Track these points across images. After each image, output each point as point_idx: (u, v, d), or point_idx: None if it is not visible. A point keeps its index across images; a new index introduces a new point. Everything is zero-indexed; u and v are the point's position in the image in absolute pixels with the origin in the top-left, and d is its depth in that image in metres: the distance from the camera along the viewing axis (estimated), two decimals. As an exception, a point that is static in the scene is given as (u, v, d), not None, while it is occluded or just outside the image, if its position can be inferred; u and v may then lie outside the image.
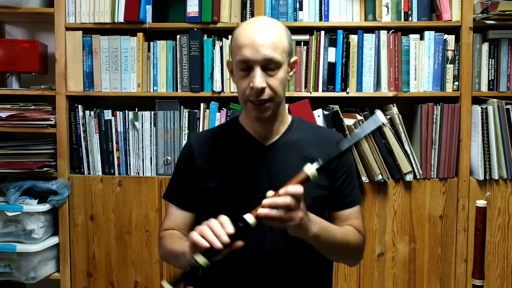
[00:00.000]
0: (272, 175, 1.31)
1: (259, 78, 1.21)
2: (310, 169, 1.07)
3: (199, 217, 1.40)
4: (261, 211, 1.05)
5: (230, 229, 1.05)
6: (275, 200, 1.05)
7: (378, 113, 1.09)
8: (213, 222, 1.07)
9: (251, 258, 1.30)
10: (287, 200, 1.05)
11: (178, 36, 2.26)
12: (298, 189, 1.06)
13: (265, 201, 1.06)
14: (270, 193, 1.08)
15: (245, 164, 1.33)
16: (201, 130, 2.26)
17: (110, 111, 2.28)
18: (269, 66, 1.23)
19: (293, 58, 1.34)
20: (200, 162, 1.36)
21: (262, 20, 1.28)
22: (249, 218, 1.05)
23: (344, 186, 1.38)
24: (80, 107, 2.29)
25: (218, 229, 1.05)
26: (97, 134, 2.28)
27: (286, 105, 2.19)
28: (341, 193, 1.37)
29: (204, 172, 1.35)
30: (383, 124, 1.09)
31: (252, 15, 2.23)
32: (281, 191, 1.06)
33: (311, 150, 1.30)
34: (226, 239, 1.03)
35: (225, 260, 1.31)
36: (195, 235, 1.06)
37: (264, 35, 1.23)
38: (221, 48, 2.24)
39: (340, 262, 1.43)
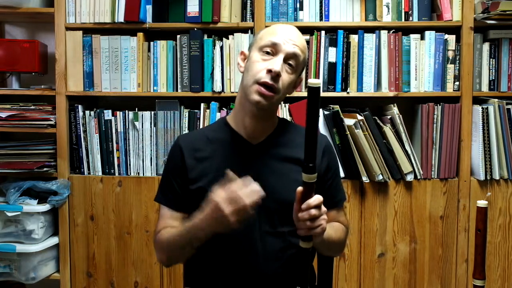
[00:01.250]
0: (260, 175, 1.31)
1: (280, 64, 1.26)
2: (307, 177, 1.11)
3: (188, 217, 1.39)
4: (301, 232, 1.15)
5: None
6: (302, 216, 1.13)
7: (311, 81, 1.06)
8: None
9: (249, 259, 1.30)
10: (312, 212, 1.12)
11: (178, 36, 2.26)
12: (318, 199, 1.13)
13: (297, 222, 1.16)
14: (299, 189, 1.14)
15: (233, 164, 1.33)
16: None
17: (110, 111, 2.28)
18: (290, 61, 1.29)
19: (301, 76, 1.39)
20: (189, 162, 1.36)
21: (295, 27, 1.36)
22: (302, 244, 1.16)
23: (332, 187, 1.42)
24: (80, 107, 2.28)
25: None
26: (97, 134, 2.28)
27: (286, 105, 2.19)
28: (330, 194, 1.40)
29: (193, 172, 1.35)
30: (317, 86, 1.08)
31: (252, 15, 2.22)
32: (303, 206, 1.12)
33: (298, 151, 1.31)
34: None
35: (222, 261, 1.32)
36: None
37: (296, 35, 1.32)
38: (221, 48, 2.24)
39: (327, 255, 1.50)
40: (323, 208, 1.15)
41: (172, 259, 1.37)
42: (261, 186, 1.31)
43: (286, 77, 1.28)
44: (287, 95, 1.39)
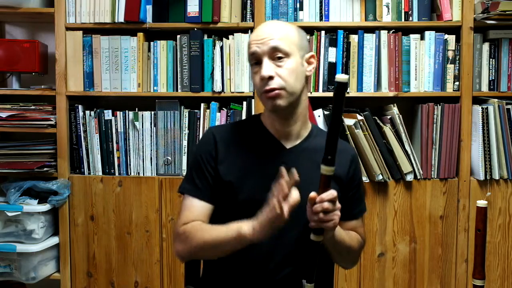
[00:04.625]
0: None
1: (265, 68, 1.26)
2: (325, 169, 1.14)
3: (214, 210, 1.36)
4: (312, 223, 1.17)
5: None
6: (315, 208, 1.14)
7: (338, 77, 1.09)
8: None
9: (257, 260, 1.30)
10: (325, 205, 1.14)
11: (178, 36, 2.26)
12: (331, 194, 1.14)
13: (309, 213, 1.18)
14: (313, 193, 1.15)
15: (265, 164, 1.33)
16: (201, 130, 2.25)
17: (110, 111, 2.28)
18: (275, 55, 1.27)
19: (309, 54, 1.35)
20: (222, 153, 1.33)
21: (272, 21, 1.37)
22: (312, 237, 1.18)
23: (355, 197, 1.41)
24: (80, 107, 2.28)
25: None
26: (97, 134, 2.28)
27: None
28: (352, 204, 1.40)
29: (224, 164, 1.33)
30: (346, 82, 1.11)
31: (253, 15, 2.23)
32: (317, 199, 1.14)
33: None
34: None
35: (227, 260, 1.31)
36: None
37: (268, 29, 1.30)
38: (221, 48, 2.24)
39: (338, 263, 1.46)
40: (338, 204, 1.16)
41: (197, 256, 1.33)
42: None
43: (281, 70, 1.27)
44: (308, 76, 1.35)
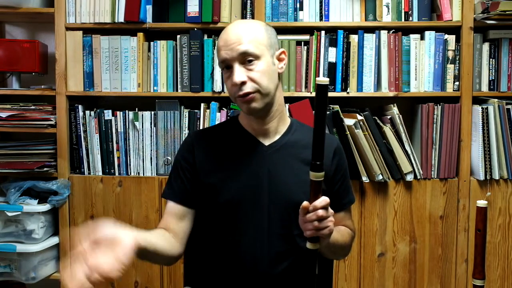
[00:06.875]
0: (272, 175, 1.32)
1: (237, 74, 1.26)
2: (314, 175, 1.11)
3: (196, 213, 1.39)
4: (307, 232, 1.14)
5: None
6: (310, 217, 1.12)
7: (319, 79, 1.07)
8: None
9: (252, 260, 1.30)
10: (319, 213, 1.12)
11: (178, 36, 2.26)
12: (324, 201, 1.12)
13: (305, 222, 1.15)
14: (305, 203, 1.13)
15: (245, 163, 1.34)
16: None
17: (110, 111, 2.28)
18: (245, 60, 1.27)
19: (279, 50, 1.35)
20: (200, 158, 1.35)
21: (237, 21, 1.36)
22: (308, 245, 1.16)
23: (341, 189, 1.42)
24: (80, 107, 2.28)
25: None
26: (97, 134, 2.28)
27: (287, 105, 2.19)
28: (338, 196, 1.40)
29: (204, 168, 1.35)
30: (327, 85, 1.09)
31: (252, 15, 2.23)
32: (310, 207, 1.12)
33: (309, 152, 1.31)
34: None
35: (224, 261, 1.32)
36: None
37: (235, 33, 1.29)
38: (222, 48, 2.24)
39: (331, 259, 1.51)
40: (330, 210, 1.15)
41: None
42: (273, 186, 1.31)
43: (253, 74, 1.27)
44: (280, 72, 1.35)
